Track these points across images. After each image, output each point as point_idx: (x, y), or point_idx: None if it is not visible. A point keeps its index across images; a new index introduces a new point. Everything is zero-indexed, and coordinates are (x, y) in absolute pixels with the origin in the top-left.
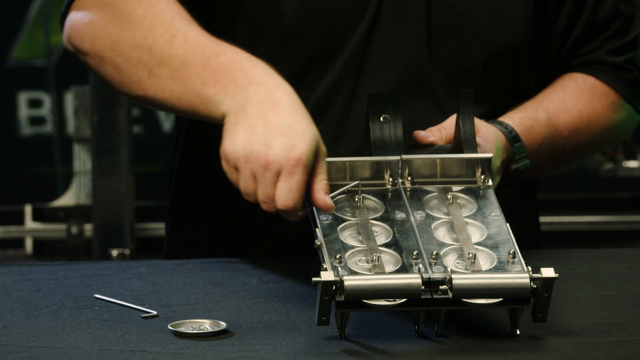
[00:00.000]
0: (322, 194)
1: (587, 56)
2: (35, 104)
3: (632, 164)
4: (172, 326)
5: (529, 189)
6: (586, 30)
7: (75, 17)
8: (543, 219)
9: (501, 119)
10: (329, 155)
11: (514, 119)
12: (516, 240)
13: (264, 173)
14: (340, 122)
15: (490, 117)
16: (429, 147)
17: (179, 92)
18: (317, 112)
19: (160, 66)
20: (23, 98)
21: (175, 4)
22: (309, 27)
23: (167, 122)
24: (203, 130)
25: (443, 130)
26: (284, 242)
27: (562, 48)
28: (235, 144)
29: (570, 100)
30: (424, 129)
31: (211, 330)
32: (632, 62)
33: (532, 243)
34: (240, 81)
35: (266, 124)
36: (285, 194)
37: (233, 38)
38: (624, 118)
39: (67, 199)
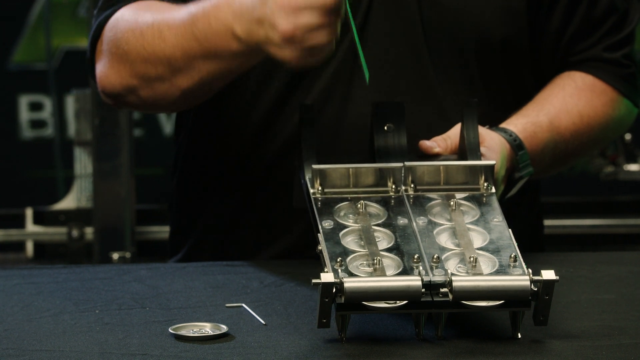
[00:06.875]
0: None
1: (585, 53)
2: (36, 107)
3: (633, 167)
4: (172, 329)
5: (530, 191)
6: (582, 26)
7: (99, 70)
8: (543, 222)
9: (504, 125)
10: (330, 162)
11: (517, 125)
12: (519, 243)
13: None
14: (335, 124)
15: (490, 114)
16: (435, 158)
17: (204, 67)
18: None
19: (171, 61)
20: (24, 101)
21: (152, 3)
22: None
23: (167, 126)
24: (203, 144)
25: (448, 140)
26: (288, 247)
27: (559, 45)
28: (282, 22)
29: (570, 101)
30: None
31: (212, 333)
32: (629, 57)
33: (535, 246)
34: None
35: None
36: None
37: None
38: (623, 114)
39: (67, 202)
